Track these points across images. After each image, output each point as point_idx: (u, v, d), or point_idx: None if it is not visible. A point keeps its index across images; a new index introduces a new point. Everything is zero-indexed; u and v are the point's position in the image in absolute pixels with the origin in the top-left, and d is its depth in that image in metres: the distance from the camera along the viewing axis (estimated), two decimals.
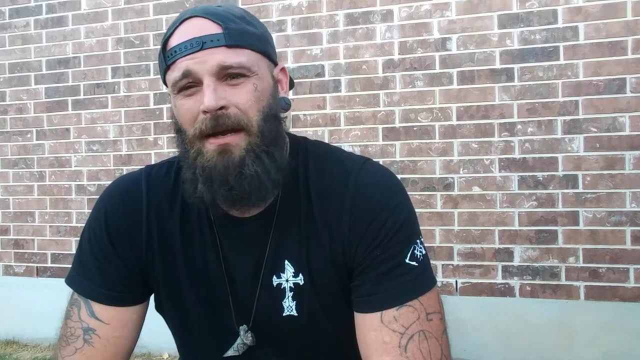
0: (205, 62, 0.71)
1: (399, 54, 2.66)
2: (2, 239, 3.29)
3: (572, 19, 2.43)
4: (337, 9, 2.74)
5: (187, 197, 0.78)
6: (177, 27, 0.76)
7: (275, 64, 0.82)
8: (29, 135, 3.26)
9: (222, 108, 0.71)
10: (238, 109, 0.73)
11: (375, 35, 2.69)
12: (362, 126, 2.71)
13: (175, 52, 0.73)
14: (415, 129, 2.63)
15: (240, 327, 0.83)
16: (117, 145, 3.09)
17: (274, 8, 2.81)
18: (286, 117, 0.82)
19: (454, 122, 2.58)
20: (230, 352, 0.83)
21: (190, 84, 0.73)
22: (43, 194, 3.22)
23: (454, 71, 2.58)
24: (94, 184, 3.11)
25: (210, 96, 0.71)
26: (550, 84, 2.46)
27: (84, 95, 3.15)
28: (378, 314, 0.75)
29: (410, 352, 0.73)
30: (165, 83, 0.80)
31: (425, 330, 0.74)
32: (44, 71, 3.23)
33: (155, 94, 3.03)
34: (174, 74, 0.74)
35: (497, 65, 2.53)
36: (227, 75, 0.73)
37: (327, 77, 2.76)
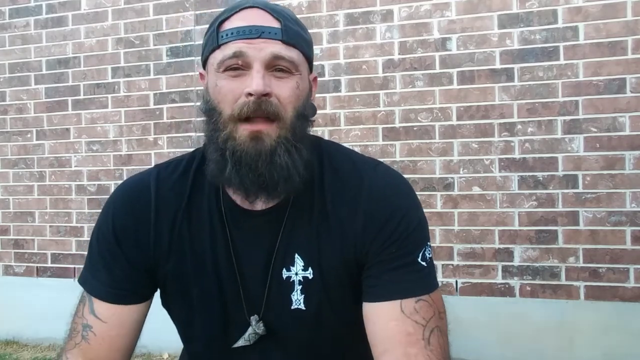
0: (261, 50, 0.75)
1: (399, 54, 2.66)
2: (2, 239, 3.29)
3: (572, 19, 2.43)
4: (337, 9, 2.74)
5: (210, 177, 0.80)
6: (236, 12, 0.79)
7: (311, 71, 0.86)
8: (29, 135, 3.26)
9: (266, 95, 0.74)
10: (279, 100, 0.76)
11: (375, 35, 2.69)
12: (362, 126, 2.71)
13: (232, 33, 0.76)
14: (415, 129, 2.63)
15: (252, 317, 0.84)
16: (117, 145, 3.09)
17: None
18: (314, 120, 0.85)
19: (454, 122, 2.58)
20: (241, 342, 0.84)
21: (237, 66, 0.76)
22: (43, 194, 3.22)
23: (454, 71, 2.58)
24: (94, 184, 3.11)
25: (259, 81, 0.74)
26: (550, 84, 2.46)
27: (84, 95, 3.15)
28: (397, 303, 0.76)
29: (433, 345, 0.74)
30: (204, 63, 0.83)
31: (440, 327, 0.77)
32: (44, 71, 3.23)
33: (155, 94, 3.03)
34: (225, 52, 0.76)
35: (497, 65, 2.53)
36: (275, 67, 0.76)
37: (327, 77, 2.76)
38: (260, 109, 0.74)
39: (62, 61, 3.20)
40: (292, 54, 0.77)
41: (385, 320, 0.76)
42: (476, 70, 2.55)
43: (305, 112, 0.81)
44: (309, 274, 0.82)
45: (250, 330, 0.84)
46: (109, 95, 3.11)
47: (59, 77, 3.21)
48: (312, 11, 2.77)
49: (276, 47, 0.75)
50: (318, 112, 2.88)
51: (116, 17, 3.11)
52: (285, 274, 0.83)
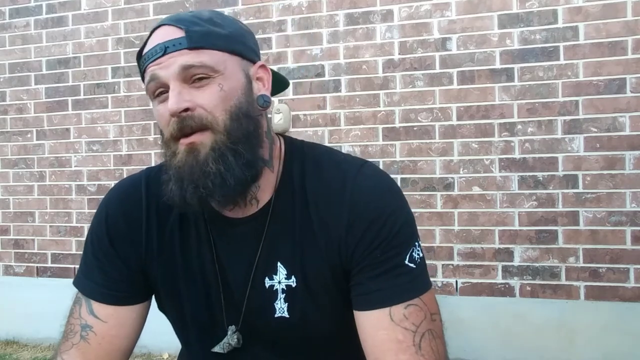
0: (169, 66, 0.74)
1: (399, 54, 2.66)
2: (2, 239, 3.29)
3: (572, 19, 2.43)
4: (337, 9, 2.74)
5: (164, 198, 0.79)
6: (149, 37, 0.79)
7: (253, 62, 0.82)
8: (29, 135, 3.26)
9: (187, 110, 0.73)
10: (204, 109, 0.74)
11: (375, 35, 2.69)
12: (362, 126, 2.71)
13: (145, 59, 0.77)
14: (415, 129, 2.63)
15: (229, 327, 0.84)
16: (117, 145, 3.09)
17: (274, 8, 2.81)
18: (260, 114, 0.81)
19: (454, 122, 2.58)
20: (216, 349, 0.84)
21: (160, 90, 0.76)
22: (43, 194, 3.22)
23: (454, 71, 2.58)
24: (94, 184, 3.11)
25: (172, 100, 0.73)
26: (550, 84, 2.46)
27: (84, 95, 3.15)
28: (385, 311, 0.75)
29: (424, 350, 0.73)
30: None
31: (432, 330, 0.76)
32: (44, 71, 3.23)
33: None
34: (145, 79, 0.78)
35: (497, 65, 2.53)
36: (193, 77, 0.74)
37: (327, 77, 2.76)
38: (185, 125, 0.73)
39: (62, 61, 3.20)
40: (202, 57, 0.74)
41: (375, 329, 0.75)
42: (476, 70, 2.55)
43: (243, 110, 0.77)
44: (292, 282, 0.81)
45: (225, 339, 0.84)
46: (109, 95, 3.11)
47: (59, 77, 3.21)
48: (312, 11, 2.77)
49: (183, 58, 0.73)
50: (318, 112, 2.89)
51: (116, 17, 3.11)
52: (268, 282, 0.82)
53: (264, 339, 0.84)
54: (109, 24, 3.12)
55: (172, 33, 0.75)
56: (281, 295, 0.82)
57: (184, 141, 0.75)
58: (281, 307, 0.82)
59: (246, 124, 0.77)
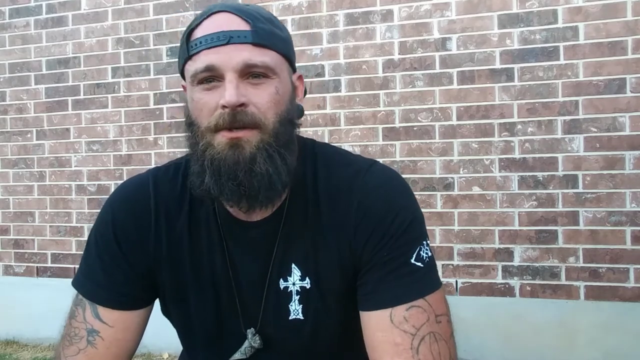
0: (231, 58, 0.72)
1: (399, 54, 2.66)
2: (2, 239, 3.29)
3: (572, 19, 2.43)
4: (337, 9, 2.74)
5: (193, 190, 0.78)
6: (205, 19, 0.76)
7: (294, 70, 0.83)
8: (29, 135, 3.26)
9: (241, 105, 0.72)
10: (257, 108, 0.73)
11: (375, 35, 2.69)
12: (362, 126, 2.71)
13: (200, 42, 0.73)
14: (415, 129, 2.63)
15: (248, 331, 0.83)
16: (117, 145, 3.09)
17: (274, 8, 2.81)
18: (300, 123, 0.83)
19: (454, 122, 2.58)
20: (237, 356, 0.84)
21: (210, 78, 0.73)
22: (43, 194, 3.22)
23: (454, 71, 2.58)
24: (94, 184, 3.11)
25: (232, 92, 0.71)
26: (550, 84, 2.46)
27: (84, 95, 3.15)
28: (386, 312, 0.74)
29: (422, 354, 0.72)
30: (182, 73, 0.80)
31: (435, 332, 0.74)
32: (44, 71, 3.23)
33: (155, 94, 3.03)
34: (196, 65, 0.74)
35: (497, 65, 2.53)
36: (250, 73, 0.73)
37: (327, 77, 2.76)
38: (236, 120, 0.71)
39: (62, 61, 3.20)
40: (265, 57, 0.73)
41: (374, 331, 0.75)
42: (476, 70, 2.55)
43: (290, 116, 0.78)
44: (307, 283, 0.81)
45: (246, 343, 0.83)
46: (109, 95, 3.11)
47: (59, 77, 3.21)
48: (312, 11, 2.77)
49: (247, 53, 0.72)
50: (318, 112, 2.89)
51: (116, 17, 3.11)
52: (282, 284, 0.82)
53: (276, 342, 0.84)
54: (109, 24, 3.12)
55: (237, 23, 0.73)
56: (295, 297, 0.82)
57: (227, 134, 0.72)
58: (295, 309, 0.82)
59: (290, 130, 0.78)
